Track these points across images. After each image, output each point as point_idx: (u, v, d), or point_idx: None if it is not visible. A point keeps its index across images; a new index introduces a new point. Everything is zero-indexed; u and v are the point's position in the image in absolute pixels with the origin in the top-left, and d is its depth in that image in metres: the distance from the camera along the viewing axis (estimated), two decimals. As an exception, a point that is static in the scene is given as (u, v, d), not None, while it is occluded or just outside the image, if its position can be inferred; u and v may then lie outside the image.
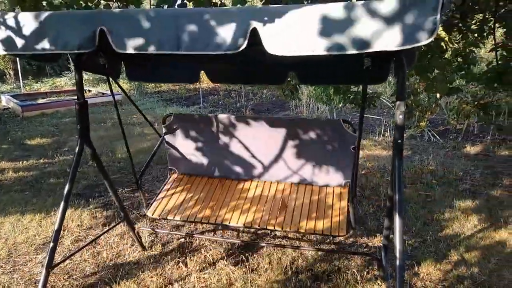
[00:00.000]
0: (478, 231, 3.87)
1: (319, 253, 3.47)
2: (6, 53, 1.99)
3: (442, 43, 2.37)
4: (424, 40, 1.46)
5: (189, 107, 11.13)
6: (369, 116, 8.89)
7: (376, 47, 1.50)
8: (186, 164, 3.53)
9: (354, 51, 1.51)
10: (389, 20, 1.47)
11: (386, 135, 7.58)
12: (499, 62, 3.71)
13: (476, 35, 3.93)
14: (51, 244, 2.51)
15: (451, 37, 2.41)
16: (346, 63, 2.56)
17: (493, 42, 3.81)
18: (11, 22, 1.95)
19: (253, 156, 3.34)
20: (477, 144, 6.87)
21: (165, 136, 3.47)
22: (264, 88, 11.78)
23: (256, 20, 1.58)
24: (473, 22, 3.82)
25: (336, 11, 1.51)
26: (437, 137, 7.20)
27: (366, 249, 3.61)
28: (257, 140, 3.29)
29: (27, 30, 1.91)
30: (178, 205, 3.14)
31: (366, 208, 4.36)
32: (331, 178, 3.23)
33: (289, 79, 4.05)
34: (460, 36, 4.07)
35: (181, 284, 3.08)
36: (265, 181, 3.38)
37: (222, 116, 3.32)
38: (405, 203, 4.47)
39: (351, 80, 2.88)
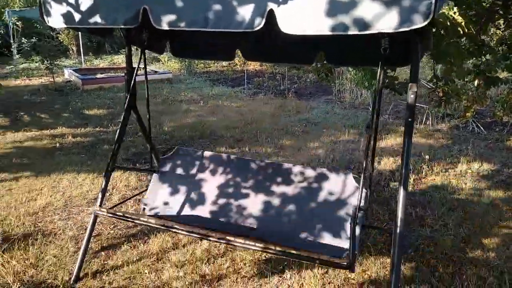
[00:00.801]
0: (504, 219, 3.88)
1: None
2: (65, 26, 2.36)
3: (459, 28, 2.44)
4: (419, 23, 1.62)
5: (234, 87, 11.49)
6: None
7: (376, 28, 1.68)
8: (163, 204, 3.24)
9: (356, 32, 1.70)
10: (387, 4, 1.64)
11: (428, 123, 7.48)
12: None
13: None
14: (100, 195, 2.93)
15: (467, 23, 2.46)
16: (369, 44, 2.69)
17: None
18: None
19: (248, 210, 2.99)
20: (523, 137, 6.63)
21: (159, 169, 3.37)
22: (309, 72, 11.85)
23: (273, 2, 1.81)
24: (516, 9, 3.74)
25: (341, -5, 1.71)
26: (481, 128, 7.00)
27: (385, 228, 3.76)
28: (253, 191, 3.01)
29: (83, 6, 2.26)
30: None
31: (393, 191, 4.48)
32: (334, 248, 2.73)
33: (323, 61, 4.23)
34: (505, 24, 4.00)
35: (209, 242, 3.42)
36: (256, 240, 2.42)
37: (224, 157, 3.20)
38: (434, 189, 4.54)
39: (372, 62, 3.01)
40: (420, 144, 6.30)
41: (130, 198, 3.99)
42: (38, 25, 17.29)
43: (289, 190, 2.99)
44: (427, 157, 5.39)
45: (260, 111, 8.60)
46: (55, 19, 2.30)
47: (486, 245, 3.45)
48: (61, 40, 17.10)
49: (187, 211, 3.14)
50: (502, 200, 4.27)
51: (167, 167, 3.35)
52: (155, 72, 12.66)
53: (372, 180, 3.09)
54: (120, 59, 16.96)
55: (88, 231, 2.93)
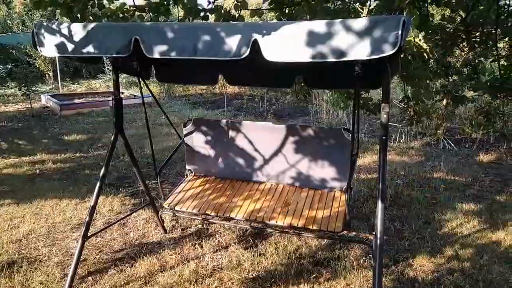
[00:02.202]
0: (476, 231, 4.09)
1: (322, 242, 3.79)
2: (59, 55, 2.46)
3: (425, 54, 2.67)
4: (389, 51, 1.81)
5: (214, 110, 11.63)
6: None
7: (351, 56, 1.86)
8: (201, 165, 3.88)
9: (333, 59, 1.88)
10: (360, 35, 1.83)
11: (401, 141, 7.78)
12: (502, 72, 3.96)
13: (482, 46, 4.19)
14: (87, 218, 2.97)
15: (432, 48, 2.71)
16: (344, 69, 2.89)
17: (496, 52, 4.06)
18: (64, 30, 2.42)
19: (262, 160, 3.66)
20: (491, 153, 6.99)
21: (184, 139, 3.83)
22: (286, 94, 12.15)
23: (257, 33, 1.97)
24: (477, 34, 4.07)
25: (319, 26, 1.89)
26: (452, 145, 7.35)
27: (367, 241, 3.90)
28: (266, 145, 3.61)
29: (77, 37, 2.37)
30: (191, 200, 3.40)
31: (372, 206, 4.65)
32: (331, 183, 3.50)
33: (302, 84, 4.43)
34: (467, 47, 4.33)
35: (197, 262, 3.48)
36: (271, 183, 3.68)
37: (237, 122, 3.70)
38: (410, 204, 4.74)
39: (348, 85, 3.23)
40: (395, 161, 6.55)
41: (114, 223, 4.01)
42: (14, 51, 17.13)
43: (295, 143, 3.55)
44: (402, 173, 5.62)
45: (241, 133, 8.72)
46: (48, 49, 2.39)
47: (461, 255, 3.63)
48: (38, 66, 16.96)
49: (220, 167, 3.83)
50: (474, 212, 4.50)
51: (190, 135, 3.82)
52: (134, 96, 12.70)
53: (352, 195, 3.33)
54: (97, 84, 16.91)
55: (75, 257, 2.95)
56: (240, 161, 3.73)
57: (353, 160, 2.94)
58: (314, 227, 2.98)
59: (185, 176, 3.93)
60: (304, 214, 3.14)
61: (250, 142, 3.66)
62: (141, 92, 3.23)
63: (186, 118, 10.20)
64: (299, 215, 3.12)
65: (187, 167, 3.94)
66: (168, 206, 3.35)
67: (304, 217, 3.09)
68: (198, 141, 3.81)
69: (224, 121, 3.77)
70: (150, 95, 3.58)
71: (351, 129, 3.02)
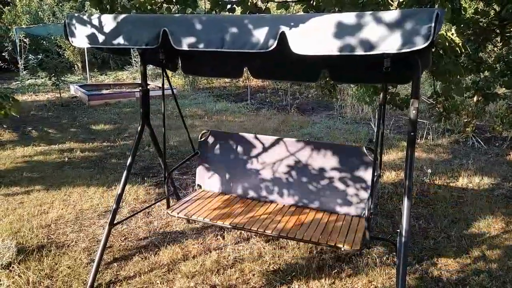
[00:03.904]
0: (505, 232, 3.97)
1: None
2: (90, 46, 2.51)
3: (457, 48, 2.58)
4: (421, 44, 1.76)
5: (237, 103, 11.67)
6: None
7: (381, 49, 1.82)
8: (212, 181, 3.69)
9: (362, 52, 1.85)
10: (391, 27, 1.79)
11: (429, 138, 7.60)
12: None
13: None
14: (114, 206, 3.04)
15: (464, 43, 2.61)
16: (371, 63, 2.84)
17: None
18: (95, 22, 2.47)
19: (277, 179, 3.46)
20: (523, 152, 6.75)
21: (198, 150, 3.72)
22: (310, 88, 12.05)
23: (285, 25, 1.96)
24: (512, 29, 3.92)
25: (348, 18, 1.86)
26: (481, 143, 7.13)
27: (391, 239, 3.85)
28: (283, 163, 3.43)
29: (107, 28, 2.42)
30: (198, 210, 3.24)
31: (396, 203, 4.57)
32: (351, 207, 3.24)
33: (327, 78, 4.39)
34: (501, 42, 4.17)
35: (218, 253, 3.52)
36: (284, 205, 3.44)
37: (254, 136, 3.56)
38: (436, 202, 4.63)
39: (375, 79, 3.17)
40: (421, 158, 6.41)
41: (140, 211, 4.10)
42: (44, 42, 17.63)
43: (313, 162, 3.37)
44: (429, 171, 5.50)
45: (264, 126, 8.74)
46: (79, 40, 2.45)
47: (488, 256, 3.53)
48: (67, 57, 17.40)
49: (232, 184, 3.65)
50: (503, 213, 4.37)
51: (204, 148, 3.73)
52: (160, 88, 12.86)
53: (377, 193, 3.25)
54: (124, 75, 17.23)
55: (102, 243, 3.03)
56: (254, 178, 3.54)
57: (375, 182, 2.69)
58: (330, 243, 2.78)
59: (193, 190, 3.79)
60: (318, 231, 2.93)
61: (266, 158, 3.50)
62: (162, 84, 3.25)
63: (209, 110, 10.33)
64: (311, 233, 2.91)
65: (197, 181, 3.77)
66: (171, 212, 3.20)
67: (317, 234, 2.89)
68: (212, 155, 3.68)
69: (241, 135, 3.63)
70: (173, 87, 3.59)
71: (375, 127, 2.88)
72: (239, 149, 3.59)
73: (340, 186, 3.25)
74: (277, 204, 3.45)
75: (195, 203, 3.38)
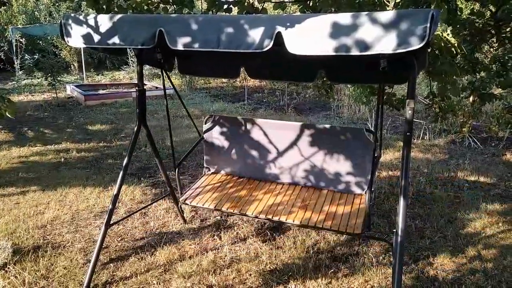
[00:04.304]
0: (500, 232, 3.99)
1: (340, 238, 3.77)
2: (85, 46, 2.50)
3: (453, 49, 2.60)
4: (416, 45, 1.77)
5: (234, 103, 11.66)
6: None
7: (376, 49, 1.82)
8: (219, 163, 3.82)
9: (357, 53, 1.85)
10: (387, 27, 1.79)
11: (425, 138, 7.63)
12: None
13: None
14: (110, 206, 3.03)
15: (460, 44, 2.63)
16: (368, 64, 2.85)
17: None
18: (91, 22, 2.46)
19: (281, 160, 3.58)
20: (518, 152, 6.78)
21: (204, 135, 3.79)
22: (307, 88, 12.07)
23: (281, 25, 1.96)
24: (507, 29, 3.93)
25: (344, 19, 1.86)
26: (478, 143, 7.16)
27: (387, 239, 3.86)
28: (286, 145, 3.53)
29: (103, 28, 2.41)
30: (208, 195, 3.34)
31: (393, 203, 4.59)
32: (352, 185, 3.39)
33: (324, 78, 4.39)
34: (497, 43, 4.19)
35: (215, 253, 3.52)
36: (290, 183, 3.59)
37: (258, 120, 3.61)
38: (433, 202, 4.65)
39: (371, 79, 3.17)
40: (418, 158, 6.43)
41: (136, 212, 4.09)
42: (40, 42, 17.56)
43: (316, 143, 3.47)
44: (425, 170, 5.51)
45: (261, 126, 8.73)
46: (75, 40, 2.44)
47: (484, 255, 3.55)
48: (63, 56, 17.34)
49: (240, 165, 3.76)
50: (499, 213, 4.38)
51: (210, 132, 3.79)
52: (156, 88, 12.85)
53: (374, 193, 3.27)
54: (121, 75, 17.17)
55: (98, 243, 3.01)
56: (259, 160, 3.68)
57: (375, 162, 2.84)
58: (334, 223, 2.89)
59: (203, 173, 3.88)
60: (324, 209, 3.09)
61: (270, 141, 3.60)
62: (163, 84, 3.25)
63: (206, 110, 10.31)
64: (318, 211, 3.07)
65: (205, 164, 3.89)
66: (185, 201, 3.30)
67: (324, 212, 3.04)
68: (217, 139, 3.78)
69: (244, 118, 3.71)
70: (172, 87, 3.59)
71: (373, 127, 2.93)
72: (242, 131, 3.67)
73: (343, 166, 3.38)
74: (283, 184, 3.60)
75: (205, 189, 3.48)
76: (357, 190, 3.38)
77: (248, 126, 3.66)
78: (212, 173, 3.86)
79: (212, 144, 3.80)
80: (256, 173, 3.70)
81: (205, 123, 3.78)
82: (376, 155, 2.83)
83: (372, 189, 2.81)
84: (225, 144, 3.76)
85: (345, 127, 3.46)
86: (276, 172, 3.63)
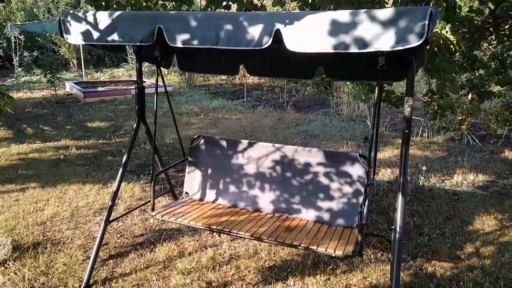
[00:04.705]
0: (499, 229, 4.01)
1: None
2: (84, 43, 2.51)
3: (451, 46, 2.60)
4: (415, 42, 1.77)
5: (233, 100, 11.66)
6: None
7: (374, 47, 1.83)
8: (201, 188, 3.48)
9: (356, 50, 1.85)
10: (386, 25, 1.79)
11: (424, 135, 7.64)
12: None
13: (511, 39, 4.05)
14: (110, 203, 3.03)
15: (459, 41, 2.63)
16: (367, 61, 2.85)
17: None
18: (90, 18, 2.46)
19: (268, 188, 3.28)
20: (517, 149, 6.79)
21: (188, 157, 3.53)
22: (307, 85, 12.06)
23: (279, 23, 1.96)
24: (506, 27, 3.94)
25: (343, 16, 1.86)
26: (476, 140, 7.17)
27: (385, 236, 3.87)
28: (274, 171, 3.27)
29: (102, 25, 2.41)
30: (183, 215, 3.05)
31: (391, 200, 4.60)
32: (343, 217, 3.03)
33: (323, 75, 4.39)
34: (495, 41, 4.20)
35: (214, 250, 3.53)
36: (274, 214, 3.22)
37: (248, 142, 3.39)
38: (431, 199, 4.67)
39: (370, 77, 3.17)
40: (416, 155, 6.44)
41: (135, 209, 4.10)
42: (39, 39, 17.51)
43: (304, 170, 3.22)
44: (424, 168, 5.53)
45: (260, 123, 8.75)
46: (74, 37, 2.44)
47: (482, 252, 3.57)
48: (62, 54, 17.30)
49: (221, 191, 3.43)
50: (497, 210, 4.40)
51: (195, 154, 3.55)
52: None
53: (372, 190, 3.22)
54: (120, 72, 17.14)
55: (98, 240, 3.03)
56: (245, 187, 3.36)
57: (367, 191, 2.54)
58: (320, 248, 2.59)
59: (181, 198, 3.55)
60: (308, 238, 2.75)
61: (258, 166, 3.33)
62: (156, 81, 3.21)
63: (205, 107, 10.31)
64: (303, 237, 2.76)
65: (185, 188, 3.54)
66: (155, 215, 3.01)
67: (309, 238, 2.75)
68: (202, 161, 3.50)
69: (234, 140, 3.49)
70: (169, 84, 3.57)
71: (371, 124, 2.76)
72: (230, 155, 3.42)
73: (332, 194, 3.08)
74: (267, 213, 3.23)
75: (181, 208, 3.18)
76: (348, 222, 2.98)
77: (238, 148, 3.42)
78: (191, 198, 3.48)
79: (196, 166, 3.52)
80: (240, 200, 3.36)
81: (191, 143, 3.57)
82: (368, 182, 2.60)
83: (364, 222, 2.46)
84: (210, 167, 3.49)
85: (337, 152, 3.29)
86: (261, 200, 3.30)
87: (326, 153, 3.18)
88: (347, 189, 3.04)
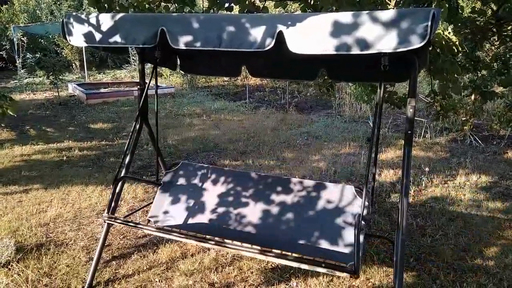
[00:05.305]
0: (502, 229, 3.99)
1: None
2: (87, 45, 2.51)
3: (454, 47, 2.60)
4: (417, 43, 1.77)
5: (235, 101, 11.67)
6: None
7: (376, 48, 1.83)
8: (169, 218, 3.20)
9: (358, 51, 1.85)
10: (388, 26, 1.79)
11: (426, 136, 7.62)
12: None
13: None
14: (113, 204, 3.03)
15: (461, 42, 2.63)
16: (369, 62, 2.85)
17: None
18: (93, 20, 2.47)
19: (249, 222, 3.00)
20: (520, 150, 6.77)
21: (163, 181, 3.39)
22: (309, 86, 12.07)
23: (282, 24, 1.97)
24: (509, 28, 3.93)
25: (345, 18, 1.86)
26: (479, 141, 7.15)
27: (388, 237, 3.86)
28: (258, 203, 3.05)
29: (104, 27, 2.42)
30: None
31: (394, 202, 4.59)
32: (336, 256, 2.71)
33: (325, 76, 4.39)
34: (498, 41, 4.19)
35: (217, 251, 3.53)
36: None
37: (229, 171, 3.24)
38: (434, 200, 4.65)
39: (373, 78, 3.17)
40: (419, 156, 6.43)
41: (138, 210, 4.10)
42: (42, 41, 17.58)
43: (289, 200, 3.02)
44: (426, 169, 5.52)
45: (262, 124, 8.75)
46: (77, 39, 2.45)
47: (485, 254, 3.55)
48: (65, 55, 17.37)
49: (191, 220, 3.16)
50: (500, 211, 4.39)
51: (170, 180, 3.40)
52: (158, 86, 12.86)
53: (374, 191, 3.20)
54: (122, 74, 17.21)
55: (100, 241, 3.03)
56: (221, 221, 3.06)
57: (360, 226, 2.22)
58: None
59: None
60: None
61: (239, 197, 3.10)
62: (156, 82, 3.20)
63: (207, 109, 10.33)
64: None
65: (150, 214, 3.26)
66: (111, 220, 2.81)
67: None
68: (177, 189, 3.32)
69: (214, 168, 3.32)
70: (170, 85, 3.58)
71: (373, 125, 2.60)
72: (208, 185, 3.21)
73: (323, 231, 2.83)
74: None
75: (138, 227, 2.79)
76: (341, 263, 2.41)
77: (216, 177, 3.23)
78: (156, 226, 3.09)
79: (168, 193, 3.31)
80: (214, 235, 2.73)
81: (169, 169, 3.42)
82: (361, 218, 2.26)
83: (358, 263, 2.17)
84: (184, 196, 3.26)
85: (328, 184, 3.03)
86: (240, 237, 2.87)
87: (318, 185, 2.97)
88: (341, 226, 2.81)
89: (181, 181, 3.36)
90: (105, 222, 2.90)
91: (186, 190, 3.31)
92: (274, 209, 3.02)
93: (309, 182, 3.06)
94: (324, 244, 2.80)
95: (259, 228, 2.98)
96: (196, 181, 3.31)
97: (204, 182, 3.29)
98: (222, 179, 3.26)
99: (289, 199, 3.04)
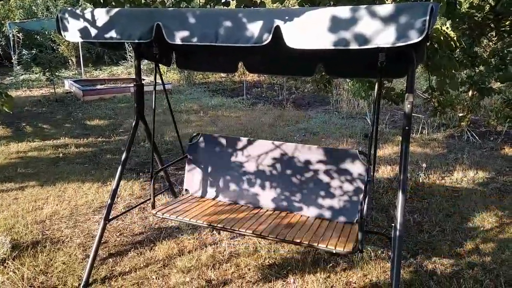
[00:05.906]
0: (499, 225, 4.00)
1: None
2: (82, 40, 2.49)
3: (452, 42, 2.58)
4: (415, 38, 1.76)
5: (233, 98, 11.63)
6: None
7: (375, 43, 1.81)
8: (201, 186, 3.48)
9: (356, 47, 1.84)
10: (386, 21, 1.78)
11: (424, 132, 7.63)
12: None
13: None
14: (109, 201, 3.02)
15: (460, 37, 2.62)
16: (366, 58, 2.83)
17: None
18: (88, 16, 2.44)
19: (268, 185, 3.28)
20: (517, 146, 6.79)
21: (188, 154, 3.53)
22: (306, 82, 12.05)
23: (279, 19, 1.95)
24: (507, 23, 3.92)
25: (343, 12, 1.85)
26: (476, 137, 7.16)
27: (385, 233, 3.86)
28: (274, 168, 3.27)
29: (100, 22, 2.39)
30: (183, 212, 3.04)
31: (391, 198, 4.59)
32: (343, 213, 3.03)
33: (322, 72, 4.38)
34: (496, 37, 4.18)
35: (214, 248, 3.52)
36: (274, 210, 3.22)
37: (248, 140, 3.38)
38: (431, 196, 4.66)
39: (370, 73, 3.16)
40: (416, 152, 6.43)
41: (135, 207, 4.08)
42: (38, 37, 17.47)
43: (304, 167, 3.21)
44: (424, 165, 5.52)
45: (260, 121, 8.74)
46: (72, 34, 2.43)
47: (482, 249, 3.56)
48: (61, 52, 17.27)
49: (223, 186, 3.43)
50: (497, 207, 4.39)
51: (196, 151, 3.54)
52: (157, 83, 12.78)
53: (372, 186, 3.21)
54: (119, 70, 17.12)
55: (97, 238, 3.01)
56: (244, 185, 3.36)
57: (367, 188, 2.54)
58: (321, 245, 2.58)
59: (181, 195, 3.56)
60: (309, 234, 2.75)
61: (257, 163, 3.33)
62: (155, 79, 3.21)
63: (204, 105, 10.29)
64: (301, 235, 2.74)
65: (185, 186, 3.54)
66: (155, 213, 3.01)
67: (310, 235, 2.74)
68: (201, 159, 3.50)
69: (233, 138, 3.47)
70: (169, 82, 3.56)
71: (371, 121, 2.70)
72: (230, 153, 3.42)
73: (333, 191, 3.08)
74: (267, 210, 3.24)
75: (182, 206, 3.18)
76: (348, 219, 3.00)
77: (237, 145, 3.41)
78: (191, 195, 3.48)
79: (196, 164, 3.51)
80: (240, 197, 3.36)
81: (190, 141, 3.56)
82: (368, 179, 2.61)
83: (364, 218, 2.44)
84: (209, 164, 3.48)
85: (337, 149, 3.28)
86: (262, 197, 3.30)
87: (326, 150, 3.15)
88: (347, 186, 3.03)
89: (204, 151, 3.51)
90: (154, 215, 3.07)
91: (211, 159, 3.48)
92: (295, 174, 3.23)
93: (321, 149, 3.18)
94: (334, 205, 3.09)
95: (283, 193, 3.25)
96: (217, 150, 3.47)
97: (226, 150, 3.45)
98: (240, 146, 3.41)
99: (305, 164, 3.20)
